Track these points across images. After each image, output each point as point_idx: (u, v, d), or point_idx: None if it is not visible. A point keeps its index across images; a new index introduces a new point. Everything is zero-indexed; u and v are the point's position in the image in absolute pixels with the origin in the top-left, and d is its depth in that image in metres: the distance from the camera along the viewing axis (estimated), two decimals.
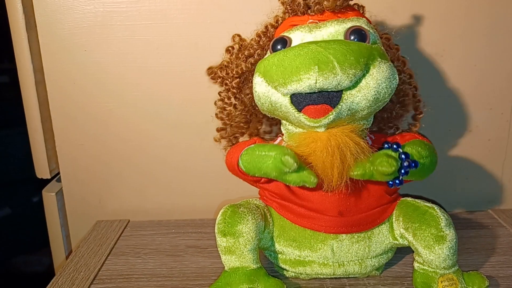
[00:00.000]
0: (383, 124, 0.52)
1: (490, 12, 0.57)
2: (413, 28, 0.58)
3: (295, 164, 0.38)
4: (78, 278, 0.50)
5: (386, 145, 0.42)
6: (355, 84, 0.39)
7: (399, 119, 0.51)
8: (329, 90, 0.38)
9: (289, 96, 0.40)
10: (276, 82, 0.39)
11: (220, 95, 0.53)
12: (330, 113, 0.39)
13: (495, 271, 0.49)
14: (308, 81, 0.37)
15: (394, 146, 0.41)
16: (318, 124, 0.39)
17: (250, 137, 0.56)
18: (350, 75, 0.38)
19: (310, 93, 0.38)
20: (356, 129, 0.41)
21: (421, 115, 0.51)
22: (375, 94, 0.40)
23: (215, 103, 0.53)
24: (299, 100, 0.39)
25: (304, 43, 0.40)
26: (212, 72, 0.53)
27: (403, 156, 0.40)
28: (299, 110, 0.40)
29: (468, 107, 0.61)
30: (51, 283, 0.50)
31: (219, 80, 0.52)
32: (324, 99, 0.39)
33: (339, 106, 0.39)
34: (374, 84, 0.39)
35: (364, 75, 0.39)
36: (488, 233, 0.57)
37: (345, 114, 0.40)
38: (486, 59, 0.59)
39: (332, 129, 0.40)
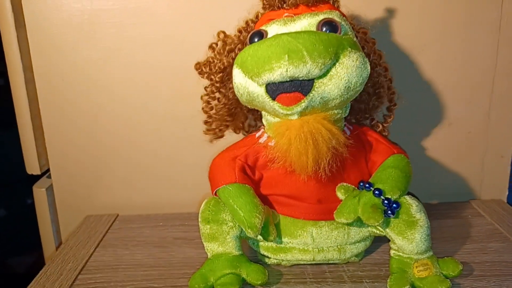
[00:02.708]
0: (360, 116, 0.54)
1: (466, 8, 0.59)
2: (393, 23, 0.59)
3: (256, 234, 0.44)
4: (66, 268, 0.52)
5: (367, 186, 0.45)
6: (326, 73, 0.40)
7: (375, 110, 0.53)
8: (300, 78, 0.40)
9: (264, 85, 0.41)
10: (251, 72, 0.41)
11: (206, 90, 0.54)
12: (302, 101, 0.40)
13: (471, 257, 0.50)
14: (280, 70, 0.39)
15: (376, 192, 0.44)
16: (291, 112, 0.41)
17: (235, 131, 0.57)
18: (320, 64, 0.39)
19: (283, 82, 0.40)
20: (329, 117, 0.43)
21: (395, 107, 0.52)
22: (346, 83, 0.41)
23: (201, 98, 0.55)
24: (273, 89, 0.41)
25: (277, 34, 0.42)
26: (199, 67, 0.54)
27: (386, 202, 0.43)
28: (273, 99, 0.41)
29: (448, 101, 0.62)
30: (39, 274, 0.51)
31: (205, 75, 0.54)
32: (296, 88, 0.40)
33: (311, 94, 0.40)
34: (345, 72, 0.41)
35: (334, 64, 0.40)
36: (466, 222, 0.59)
37: (318, 102, 0.41)
38: (464, 54, 0.61)
39: (305, 117, 0.42)
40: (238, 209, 0.45)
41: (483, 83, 0.62)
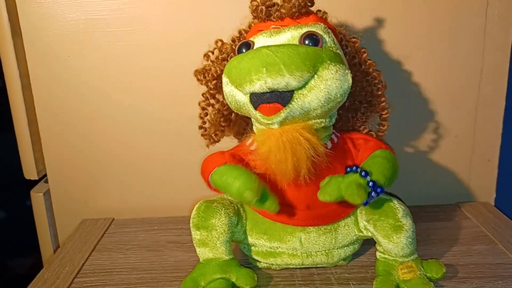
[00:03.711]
0: (352, 124, 0.54)
1: (451, 15, 0.61)
2: (380, 31, 0.61)
3: (255, 198, 0.43)
4: (63, 272, 0.53)
5: (354, 168, 0.45)
6: (305, 85, 0.42)
7: (367, 119, 0.54)
8: (279, 90, 0.41)
9: (248, 95, 0.43)
10: (236, 83, 0.43)
11: (203, 96, 0.56)
12: (281, 111, 0.42)
13: (456, 259, 0.52)
14: (259, 82, 0.41)
15: (363, 173, 0.44)
16: (270, 121, 0.43)
17: (236, 137, 0.58)
18: (297, 76, 0.41)
19: (264, 92, 0.42)
20: (309, 126, 0.44)
21: (387, 115, 0.53)
22: (326, 94, 0.43)
23: (199, 104, 0.56)
24: (255, 99, 0.43)
25: (259, 47, 0.43)
26: (196, 74, 0.56)
27: (371, 183, 0.43)
28: (255, 108, 0.43)
29: (435, 106, 0.64)
30: (37, 277, 0.52)
31: (203, 82, 0.55)
32: (276, 99, 0.42)
33: (290, 105, 0.42)
34: (324, 85, 0.42)
35: (313, 76, 0.42)
36: (453, 225, 0.60)
37: (298, 113, 0.43)
38: (450, 60, 0.62)
39: (285, 126, 0.43)
40: (233, 179, 0.44)
41: (469, 88, 0.64)
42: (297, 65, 0.41)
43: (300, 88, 0.42)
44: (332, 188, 0.43)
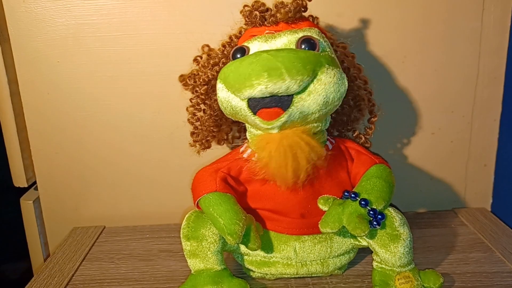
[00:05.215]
0: (342, 127, 0.55)
1: (447, 19, 0.60)
2: (374, 36, 0.60)
3: (236, 242, 0.43)
4: (52, 283, 0.52)
5: (352, 196, 0.45)
6: (304, 89, 0.41)
7: (357, 122, 0.54)
8: (279, 94, 0.41)
9: (246, 100, 0.42)
10: (233, 88, 0.42)
11: (191, 102, 0.55)
12: (281, 116, 0.42)
13: (452, 268, 0.51)
14: (260, 87, 0.40)
15: (362, 202, 0.44)
16: (271, 126, 0.42)
17: (219, 143, 0.57)
18: (298, 80, 0.40)
19: (263, 97, 0.41)
20: (308, 130, 0.44)
21: (375, 118, 0.53)
22: (324, 98, 0.42)
23: (187, 109, 0.55)
24: (254, 104, 0.42)
25: (257, 52, 0.43)
26: (183, 80, 0.55)
27: (371, 212, 0.44)
28: (254, 113, 0.43)
29: (431, 111, 0.63)
30: None
31: (190, 87, 0.54)
32: (276, 103, 0.41)
33: (290, 109, 0.42)
34: (322, 88, 0.42)
35: (312, 80, 0.42)
36: (449, 231, 0.59)
37: (297, 117, 0.42)
38: (445, 64, 0.61)
39: (285, 131, 0.43)
40: (218, 217, 0.45)
41: (465, 92, 0.63)
42: (298, 69, 0.40)
43: (299, 92, 0.41)
44: (333, 220, 0.44)
